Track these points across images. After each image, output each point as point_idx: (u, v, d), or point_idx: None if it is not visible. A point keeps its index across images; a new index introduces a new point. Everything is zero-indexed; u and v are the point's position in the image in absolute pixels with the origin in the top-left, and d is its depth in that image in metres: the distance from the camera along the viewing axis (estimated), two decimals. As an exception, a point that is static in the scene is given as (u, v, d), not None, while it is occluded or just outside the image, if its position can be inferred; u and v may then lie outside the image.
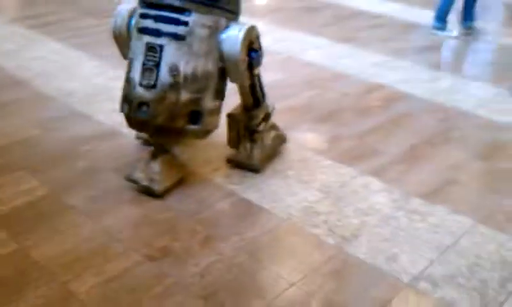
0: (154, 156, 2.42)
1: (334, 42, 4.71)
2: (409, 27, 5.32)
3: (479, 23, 5.33)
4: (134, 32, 2.32)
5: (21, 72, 3.77)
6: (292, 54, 4.35)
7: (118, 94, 3.28)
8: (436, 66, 4.32)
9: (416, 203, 2.51)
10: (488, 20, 5.76)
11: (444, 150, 3.02)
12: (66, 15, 5.16)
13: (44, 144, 2.90)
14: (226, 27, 2.31)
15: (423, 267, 2.10)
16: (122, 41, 2.49)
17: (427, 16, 5.63)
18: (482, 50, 4.85)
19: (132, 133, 2.88)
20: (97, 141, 2.93)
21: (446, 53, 5.00)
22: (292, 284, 2.00)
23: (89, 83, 3.59)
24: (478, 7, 5.29)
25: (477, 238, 2.29)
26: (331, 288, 2.00)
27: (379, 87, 3.80)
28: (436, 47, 4.89)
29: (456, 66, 4.47)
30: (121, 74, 3.40)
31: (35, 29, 4.66)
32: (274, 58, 4.04)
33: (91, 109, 3.24)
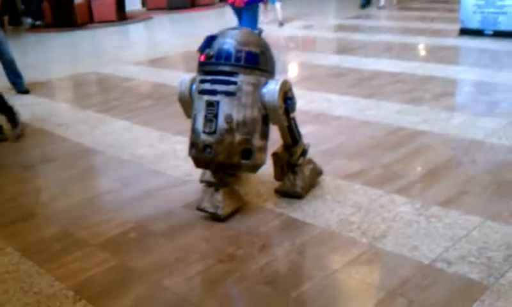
0: (217, 188, 3.05)
1: (359, 98, 5.36)
2: (426, 79, 5.94)
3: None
4: (196, 94, 3.03)
5: (96, 145, 4.54)
6: (323, 111, 5.02)
7: (180, 154, 4.01)
8: (451, 108, 4.89)
9: (434, 209, 3.02)
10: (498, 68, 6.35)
11: (458, 171, 3.54)
12: (128, 100, 6.05)
13: (125, 193, 3.59)
14: (265, 83, 2.98)
15: (440, 252, 2.60)
16: (185, 102, 3.19)
17: (440, 70, 6.28)
18: (492, 92, 5.39)
19: (196, 179, 3.53)
20: (169, 188, 3.59)
21: (459, 97, 5.58)
22: (335, 271, 2.54)
23: (156, 148, 4.32)
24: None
25: (486, 230, 2.78)
26: (366, 272, 2.53)
27: (401, 128, 4.38)
28: (450, 94, 5.48)
29: (469, 106, 5.03)
30: (181, 139, 4.15)
31: (103, 113, 5.52)
32: (307, 115, 4.70)
33: (160, 167, 3.94)
